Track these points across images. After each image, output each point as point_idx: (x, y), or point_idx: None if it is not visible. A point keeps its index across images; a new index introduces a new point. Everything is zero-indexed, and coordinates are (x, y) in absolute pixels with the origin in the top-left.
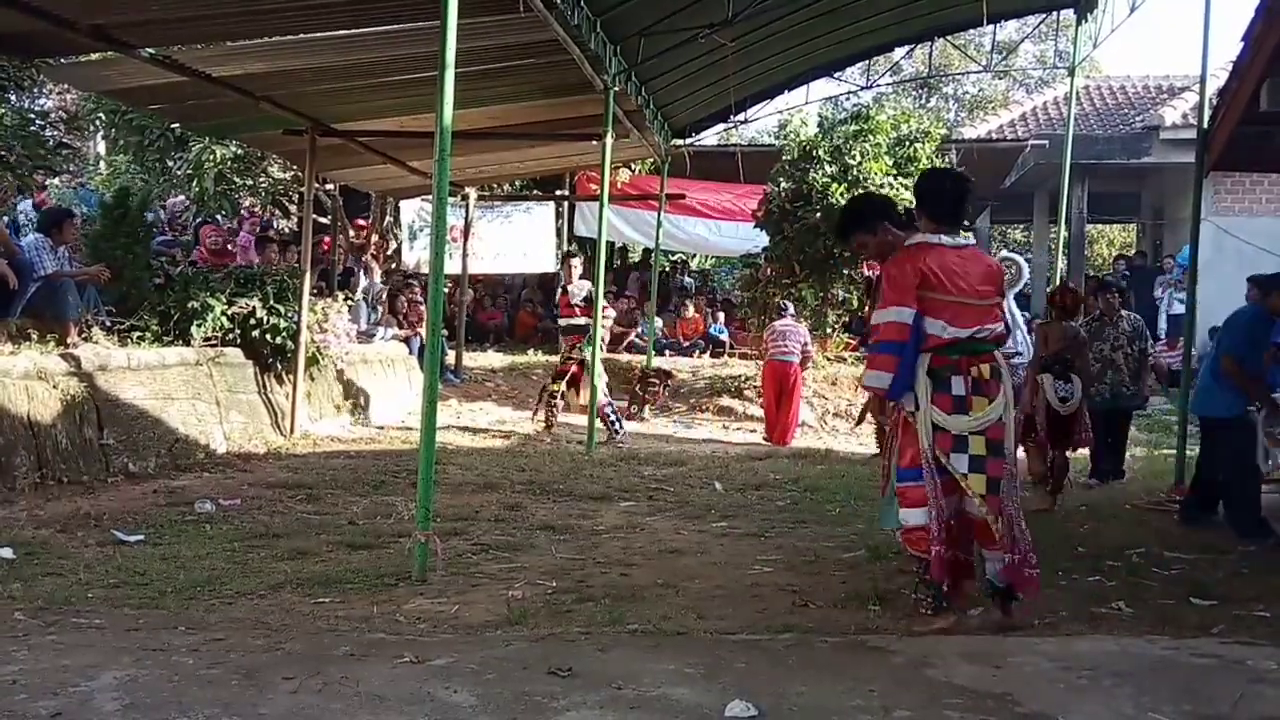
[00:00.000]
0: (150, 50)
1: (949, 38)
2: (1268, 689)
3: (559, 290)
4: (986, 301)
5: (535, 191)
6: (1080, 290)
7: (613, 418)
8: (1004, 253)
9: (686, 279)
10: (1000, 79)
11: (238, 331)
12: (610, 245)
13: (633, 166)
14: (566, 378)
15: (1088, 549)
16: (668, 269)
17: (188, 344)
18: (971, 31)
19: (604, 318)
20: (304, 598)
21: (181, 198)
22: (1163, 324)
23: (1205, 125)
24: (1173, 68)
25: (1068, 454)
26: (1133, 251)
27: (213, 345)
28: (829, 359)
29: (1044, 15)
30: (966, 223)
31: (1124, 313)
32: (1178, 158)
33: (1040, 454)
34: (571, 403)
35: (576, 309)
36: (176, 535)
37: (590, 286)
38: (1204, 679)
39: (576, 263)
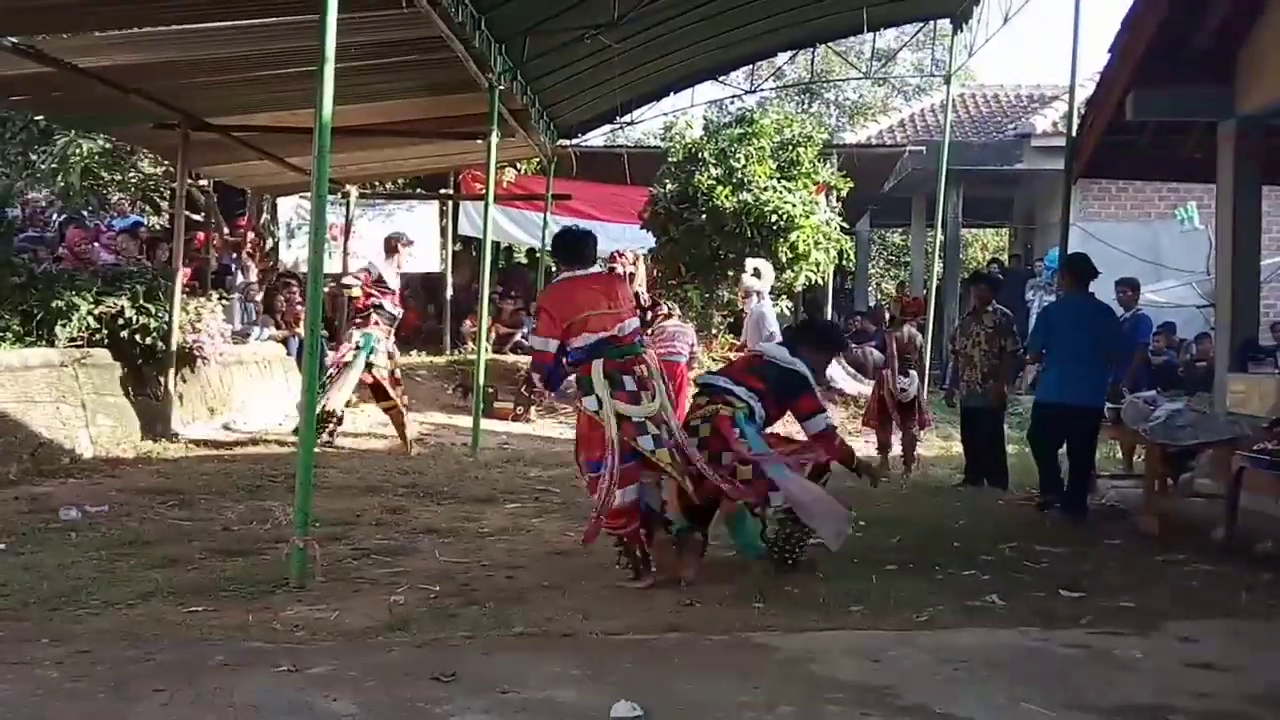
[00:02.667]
0: (12, 39)
1: (830, 45)
2: (1133, 677)
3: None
4: (615, 309)
5: (419, 190)
6: (915, 297)
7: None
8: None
9: None
10: (880, 86)
11: (105, 332)
12: (495, 245)
13: (518, 166)
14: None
15: (962, 545)
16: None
17: (52, 345)
18: (852, 39)
19: (352, 282)
20: (176, 607)
21: (45, 193)
22: (1033, 324)
23: (1074, 134)
24: (1044, 77)
25: (914, 432)
26: (1006, 255)
27: (79, 346)
28: (714, 359)
29: (922, 24)
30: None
31: (990, 308)
32: (1048, 165)
33: (886, 433)
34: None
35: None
36: (39, 544)
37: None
38: (1073, 668)
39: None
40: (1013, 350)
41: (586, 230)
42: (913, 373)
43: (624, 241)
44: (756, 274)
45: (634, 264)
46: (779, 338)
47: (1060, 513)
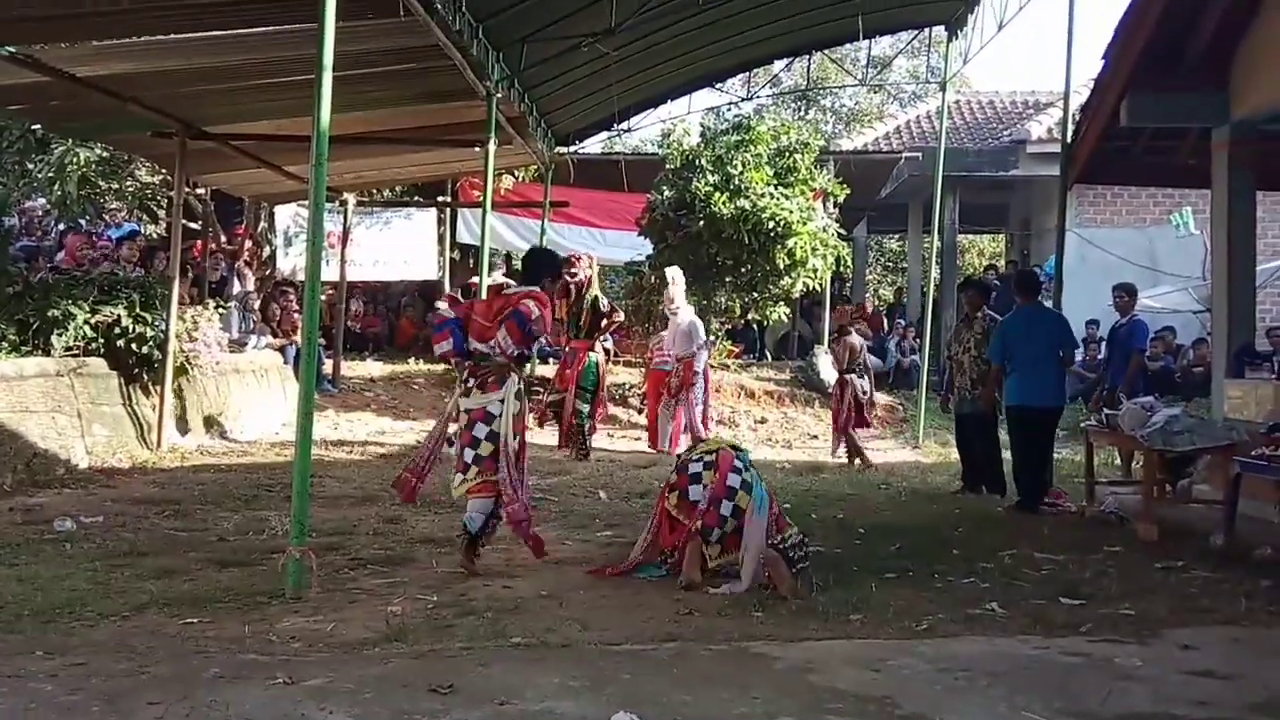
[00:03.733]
0: (10, 49)
1: (826, 52)
2: (1134, 685)
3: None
4: (486, 324)
5: (416, 198)
6: (854, 307)
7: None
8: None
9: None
10: (875, 93)
11: (101, 341)
12: (494, 252)
13: (516, 174)
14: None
15: (961, 552)
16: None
17: (48, 354)
18: (848, 46)
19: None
20: (171, 618)
21: (42, 201)
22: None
23: (1069, 140)
24: (1038, 83)
25: (853, 430)
26: (1002, 261)
27: (75, 355)
28: (711, 366)
29: (917, 31)
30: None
31: (981, 314)
32: (1043, 170)
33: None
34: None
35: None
36: (34, 555)
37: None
38: (1073, 677)
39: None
40: None
41: (534, 250)
42: (868, 375)
43: (623, 248)
44: (674, 282)
45: (589, 268)
46: (706, 347)
47: (1013, 508)
